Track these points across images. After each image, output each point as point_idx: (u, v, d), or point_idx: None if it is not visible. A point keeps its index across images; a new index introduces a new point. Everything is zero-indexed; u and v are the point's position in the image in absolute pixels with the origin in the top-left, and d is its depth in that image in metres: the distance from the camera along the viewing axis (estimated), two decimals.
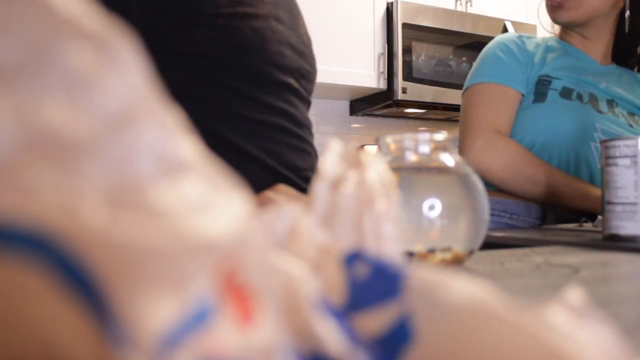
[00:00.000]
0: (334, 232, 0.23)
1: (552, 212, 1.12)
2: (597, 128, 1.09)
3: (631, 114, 1.17)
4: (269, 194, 0.74)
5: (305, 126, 0.94)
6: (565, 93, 1.12)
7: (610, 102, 1.15)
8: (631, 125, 1.13)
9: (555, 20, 1.18)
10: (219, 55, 0.82)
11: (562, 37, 1.23)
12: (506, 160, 1.06)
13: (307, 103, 1.00)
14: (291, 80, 0.91)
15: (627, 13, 1.19)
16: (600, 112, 1.12)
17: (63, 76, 0.13)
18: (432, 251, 0.44)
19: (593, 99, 1.13)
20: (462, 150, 1.11)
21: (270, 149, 0.86)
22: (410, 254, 0.43)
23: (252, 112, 0.85)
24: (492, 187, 1.15)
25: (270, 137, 0.87)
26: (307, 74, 0.96)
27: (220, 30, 0.81)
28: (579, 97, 1.12)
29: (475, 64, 1.22)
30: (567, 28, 1.20)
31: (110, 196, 0.12)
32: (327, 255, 0.20)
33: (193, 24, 0.81)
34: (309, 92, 1.00)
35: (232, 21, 0.82)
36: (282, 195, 0.74)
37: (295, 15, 0.97)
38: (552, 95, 1.12)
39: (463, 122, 1.16)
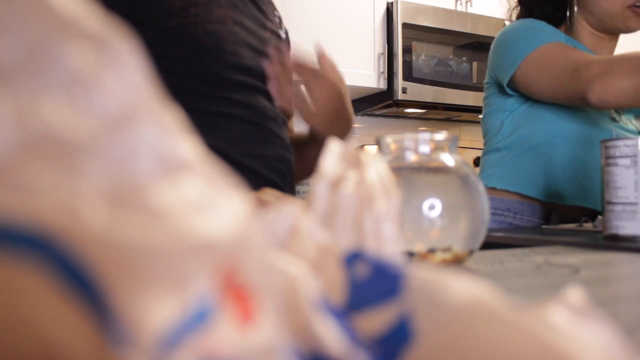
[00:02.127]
0: (334, 232, 0.23)
1: (556, 212, 1.11)
2: (614, 134, 1.06)
3: (638, 117, 1.16)
4: (260, 195, 0.74)
5: (271, 118, 0.94)
6: None
7: (617, 110, 1.13)
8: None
9: (630, 28, 1.10)
10: (173, 55, 0.85)
11: (569, 33, 1.17)
12: (628, 65, 0.95)
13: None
14: (250, 80, 0.91)
15: None
16: (613, 119, 1.10)
17: (63, 76, 0.13)
18: (432, 251, 0.44)
19: None
20: (586, 90, 0.96)
21: (230, 138, 0.87)
22: (410, 254, 0.43)
23: (209, 106, 0.87)
24: (496, 185, 1.13)
25: (229, 128, 0.88)
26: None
27: (172, 31, 0.84)
28: None
29: (509, 45, 1.11)
30: (621, 33, 1.14)
31: (110, 196, 0.12)
32: (327, 255, 0.20)
33: (146, 28, 0.83)
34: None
35: (184, 22, 0.85)
36: (269, 197, 0.74)
37: (259, 19, 0.98)
38: None
39: (556, 79, 1.02)
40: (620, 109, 1.13)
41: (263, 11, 1.00)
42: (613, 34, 1.14)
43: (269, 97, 0.96)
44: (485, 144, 1.24)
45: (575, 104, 1.04)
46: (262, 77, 0.94)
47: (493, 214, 1.11)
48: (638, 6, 1.07)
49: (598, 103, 0.95)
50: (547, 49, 1.05)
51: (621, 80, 0.93)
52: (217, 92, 0.88)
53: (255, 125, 0.91)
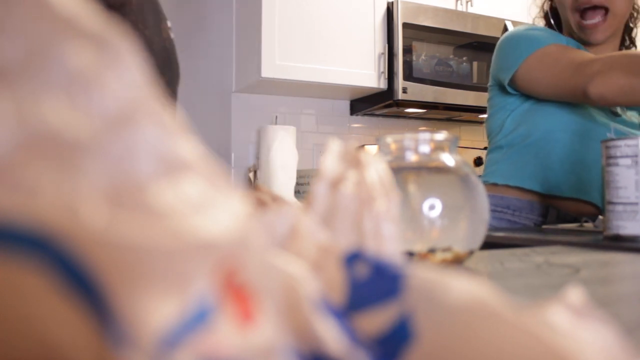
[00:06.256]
0: (334, 232, 0.23)
1: (554, 209, 1.12)
2: (611, 128, 1.08)
3: None
4: (257, 195, 0.73)
5: None
6: None
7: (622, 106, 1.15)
8: None
9: (588, 40, 1.12)
10: None
11: (571, 36, 1.19)
12: (623, 60, 0.97)
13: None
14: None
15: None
16: (615, 113, 1.12)
17: (63, 76, 0.13)
18: (432, 251, 0.44)
19: None
20: (587, 86, 0.97)
21: None
22: (410, 254, 0.43)
23: None
24: (497, 181, 1.14)
25: None
26: (170, 81, 0.94)
27: None
28: None
29: (510, 47, 1.14)
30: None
31: (110, 195, 0.12)
32: (327, 255, 0.20)
33: None
34: (172, 95, 0.98)
35: None
36: (264, 195, 0.73)
37: (158, 19, 0.94)
38: None
39: (558, 75, 1.04)
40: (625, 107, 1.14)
41: (160, 11, 0.94)
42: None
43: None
44: (489, 144, 1.26)
45: (576, 101, 1.06)
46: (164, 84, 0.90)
47: (493, 210, 1.12)
48: (582, 14, 1.11)
49: (598, 99, 0.98)
50: (549, 49, 1.08)
51: (619, 78, 0.95)
52: None
53: None
